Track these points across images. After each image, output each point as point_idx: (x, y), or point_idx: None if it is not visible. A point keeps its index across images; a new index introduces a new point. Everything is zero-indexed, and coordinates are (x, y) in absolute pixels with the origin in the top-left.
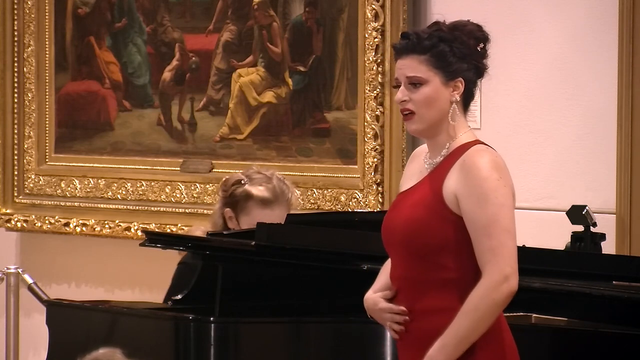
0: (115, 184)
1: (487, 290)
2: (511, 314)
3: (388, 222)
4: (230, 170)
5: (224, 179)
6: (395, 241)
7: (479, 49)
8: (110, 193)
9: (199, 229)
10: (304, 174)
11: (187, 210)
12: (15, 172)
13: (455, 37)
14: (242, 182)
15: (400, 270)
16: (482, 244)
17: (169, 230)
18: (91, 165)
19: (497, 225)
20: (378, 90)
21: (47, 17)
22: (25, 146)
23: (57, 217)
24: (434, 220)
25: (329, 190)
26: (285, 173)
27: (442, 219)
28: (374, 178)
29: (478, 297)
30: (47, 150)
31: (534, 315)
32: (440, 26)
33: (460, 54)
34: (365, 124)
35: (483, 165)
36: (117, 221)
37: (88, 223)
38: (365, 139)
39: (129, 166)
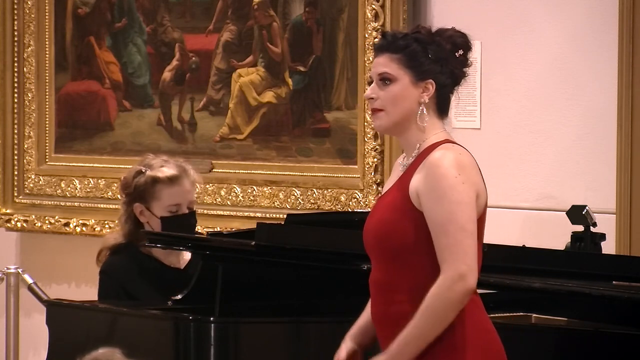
0: (115, 184)
1: (442, 289)
2: (511, 314)
3: (365, 227)
4: (231, 171)
5: (122, 178)
6: (370, 244)
7: (457, 54)
8: (110, 193)
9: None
10: (304, 174)
11: None
12: (15, 172)
13: (433, 41)
14: (143, 171)
15: (375, 274)
16: (439, 242)
17: None
18: (91, 165)
19: (452, 223)
20: None
21: (47, 17)
22: (25, 146)
23: (57, 217)
24: (404, 221)
25: (329, 190)
26: (285, 173)
27: (410, 218)
28: (374, 178)
29: (433, 296)
30: (47, 150)
31: (534, 315)
32: (420, 29)
33: (435, 56)
34: (365, 124)
35: (443, 162)
36: (117, 221)
37: (88, 223)
38: (365, 139)
39: (129, 166)
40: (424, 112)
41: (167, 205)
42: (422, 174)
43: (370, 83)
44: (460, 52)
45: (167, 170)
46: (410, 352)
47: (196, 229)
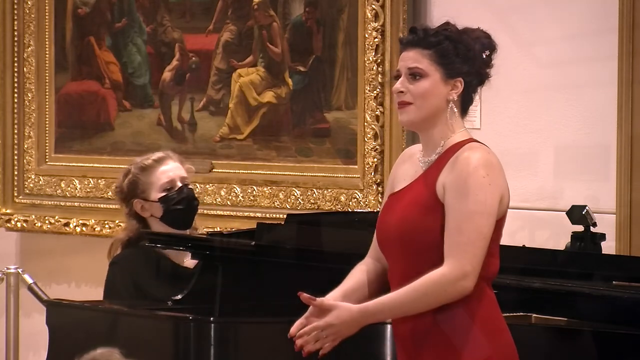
0: (115, 184)
1: (443, 280)
2: (511, 314)
3: (382, 225)
4: (231, 171)
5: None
6: (392, 243)
7: (484, 55)
8: (110, 193)
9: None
10: (304, 174)
11: None
12: (15, 172)
13: (462, 39)
14: (129, 168)
15: (398, 274)
16: (451, 237)
17: None
18: (91, 165)
19: (470, 223)
20: (378, 90)
21: (47, 17)
22: (25, 146)
23: (57, 217)
24: (429, 218)
25: (329, 190)
26: (285, 173)
27: (435, 215)
28: (374, 178)
29: (432, 282)
30: (47, 150)
31: (534, 315)
32: (449, 26)
33: (464, 55)
34: (365, 124)
35: (472, 160)
36: (117, 221)
37: (88, 223)
38: (365, 139)
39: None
40: (453, 109)
41: (161, 184)
42: (451, 169)
43: (396, 77)
44: (487, 52)
45: (151, 156)
46: (385, 316)
47: (197, 207)
